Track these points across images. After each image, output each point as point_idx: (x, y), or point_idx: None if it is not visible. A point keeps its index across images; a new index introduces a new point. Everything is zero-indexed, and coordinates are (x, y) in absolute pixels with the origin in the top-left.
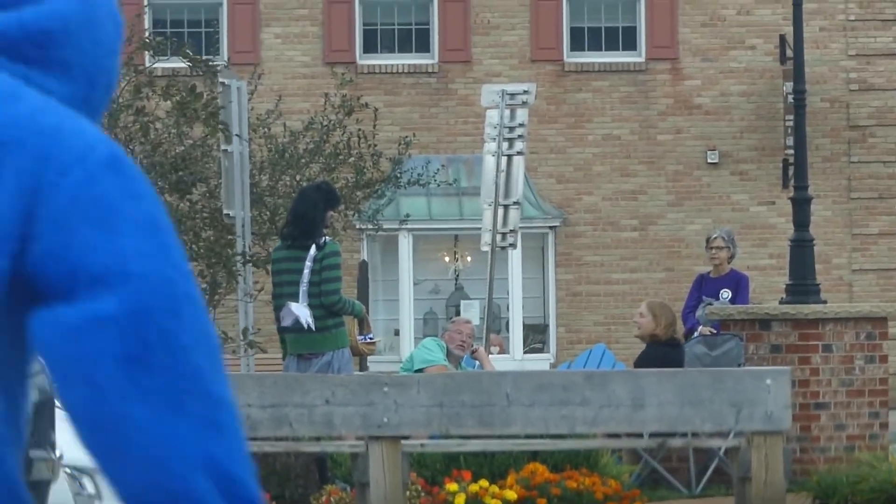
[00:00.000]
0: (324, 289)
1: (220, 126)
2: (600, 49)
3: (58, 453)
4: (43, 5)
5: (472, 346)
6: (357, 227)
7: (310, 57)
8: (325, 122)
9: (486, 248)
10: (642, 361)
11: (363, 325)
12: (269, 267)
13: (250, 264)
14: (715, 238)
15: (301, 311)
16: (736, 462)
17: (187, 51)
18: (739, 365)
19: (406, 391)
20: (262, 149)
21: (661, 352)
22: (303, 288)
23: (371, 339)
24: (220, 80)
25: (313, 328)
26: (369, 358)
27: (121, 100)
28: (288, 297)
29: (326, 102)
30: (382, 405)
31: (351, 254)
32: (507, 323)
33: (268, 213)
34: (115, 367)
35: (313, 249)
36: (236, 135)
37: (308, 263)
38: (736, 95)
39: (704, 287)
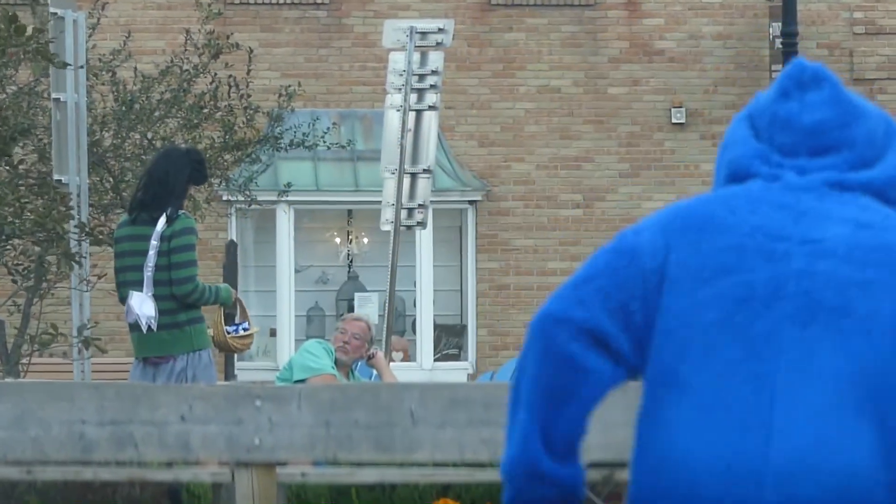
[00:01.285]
0: (174, 276)
1: (50, 59)
2: None
3: None
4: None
5: (368, 350)
6: (224, 198)
7: None
8: (185, 67)
9: (387, 228)
10: None
11: (236, 313)
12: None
13: (87, 242)
14: None
15: (142, 304)
16: None
17: None
18: None
19: (284, 406)
20: (105, 99)
21: None
22: (147, 274)
23: (246, 329)
24: (52, 9)
25: (153, 328)
26: (237, 366)
27: None
28: (132, 286)
29: (188, 41)
30: (253, 424)
31: (216, 232)
32: (414, 323)
33: (111, 179)
34: None
35: (161, 224)
36: (67, 63)
37: (154, 242)
38: (709, 38)
39: None
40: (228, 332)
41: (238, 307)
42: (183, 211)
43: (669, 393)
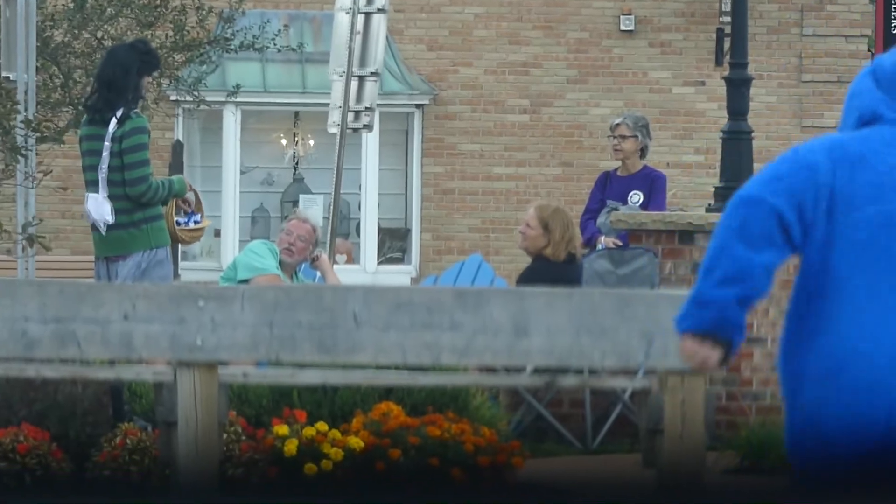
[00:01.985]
0: (126, 177)
1: None
2: None
3: None
4: None
5: (313, 252)
6: (172, 98)
7: None
8: None
9: (334, 130)
10: (526, 280)
11: (190, 204)
12: (59, 145)
13: (33, 139)
14: (618, 124)
15: (97, 205)
16: (644, 409)
17: None
18: (653, 286)
19: (227, 306)
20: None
21: (553, 269)
22: (101, 175)
23: (198, 222)
24: None
25: (102, 229)
26: (181, 265)
27: None
28: (91, 187)
29: None
30: (196, 323)
31: (163, 132)
32: (359, 225)
33: (61, 76)
34: None
35: (112, 125)
36: None
37: (106, 144)
38: None
39: (610, 187)
40: (179, 224)
41: (195, 198)
42: (136, 110)
43: (828, 292)
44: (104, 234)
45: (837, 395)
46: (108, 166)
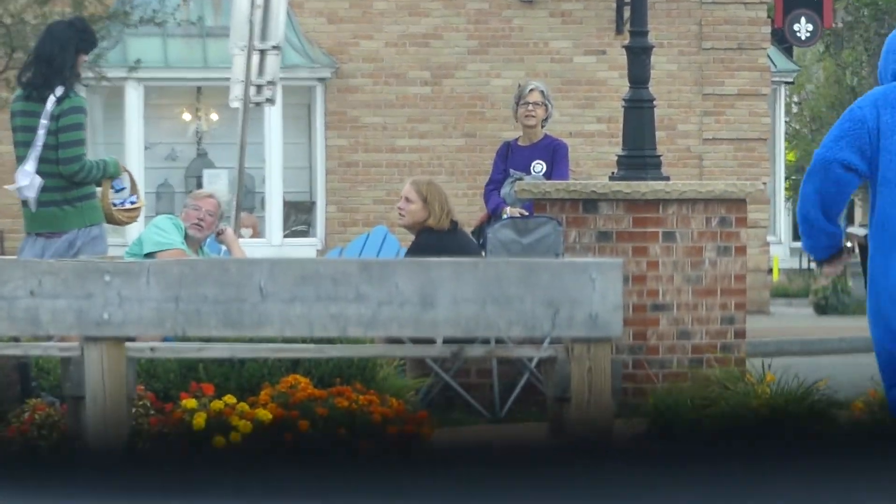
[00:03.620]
0: (61, 155)
1: None
2: None
3: None
4: None
5: (218, 226)
6: None
7: None
8: None
9: (236, 105)
10: (416, 254)
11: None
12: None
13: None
14: (531, 90)
15: (25, 179)
16: (551, 378)
17: None
18: (557, 255)
19: (133, 281)
20: None
21: (440, 240)
22: (34, 152)
23: (133, 203)
24: None
25: (32, 205)
26: None
27: None
28: (22, 163)
29: None
30: (103, 298)
31: None
32: (263, 199)
33: None
34: None
35: (50, 103)
36: None
37: (43, 122)
38: None
39: (512, 157)
40: (114, 205)
41: (129, 180)
42: (73, 90)
43: (889, 190)
44: (34, 210)
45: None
46: (44, 144)
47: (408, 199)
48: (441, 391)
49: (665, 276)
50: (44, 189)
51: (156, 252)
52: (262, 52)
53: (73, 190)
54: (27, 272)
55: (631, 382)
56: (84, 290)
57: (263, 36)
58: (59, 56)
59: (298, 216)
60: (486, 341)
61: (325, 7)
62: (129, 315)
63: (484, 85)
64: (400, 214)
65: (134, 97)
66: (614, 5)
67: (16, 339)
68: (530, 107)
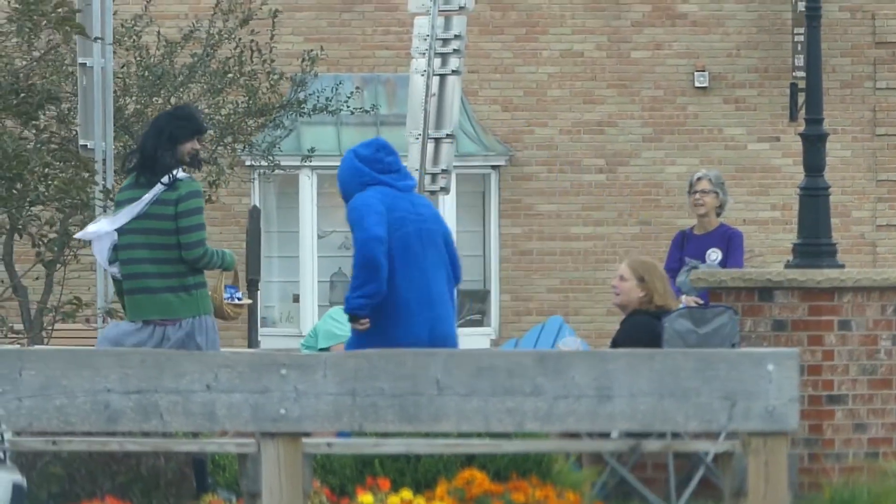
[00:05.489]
0: (183, 241)
1: (80, 30)
2: None
3: None
4: None
5: None
6: (248, 163)
7: None
8: (211, 31)
9: None
10: (628, 336)
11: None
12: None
13: (112, 209)
14: (699, 179)
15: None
16: (728, 471)
17: None
18: (733, 345)
19: (309, 375)
20: (129, 65)
21: (649, 322)
22: (127, 218)
23: (240, 298)
24: None
25: (116, 273)
26: (260, 332)
27: None
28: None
29: (217, 7)
30: (279, 393)
31: (239, 197)
32: None
33: (134, 145)
34: None
35: (158, 188)
36: (98, 38)
37: (156, 207)
38: (731, 2)
39: (687, 246)
40: (226, 299)
41: (235, 274)
42: (186, 174)
43: None
44: (149, 295)
45: None
46: (163, 230)
47: (622, 278)
48: (618, 485)
49: (840, 367)
50: (160, 275)
51: (331, 345)
52: (437, 141)
53: (190, 277)
54: (203, 366)
55: (807, 476)
56: (260, 384)
57: (438, 124)
58: (158, 145)
59: (472, 305)
60: (662, 435)
61: (499, 95)
62: (306, 410)
63: (658, 172)
64: (614, 293)
65: (307, 185)
66: (788, 92)
67: (193, 435)
68: (698, 195)
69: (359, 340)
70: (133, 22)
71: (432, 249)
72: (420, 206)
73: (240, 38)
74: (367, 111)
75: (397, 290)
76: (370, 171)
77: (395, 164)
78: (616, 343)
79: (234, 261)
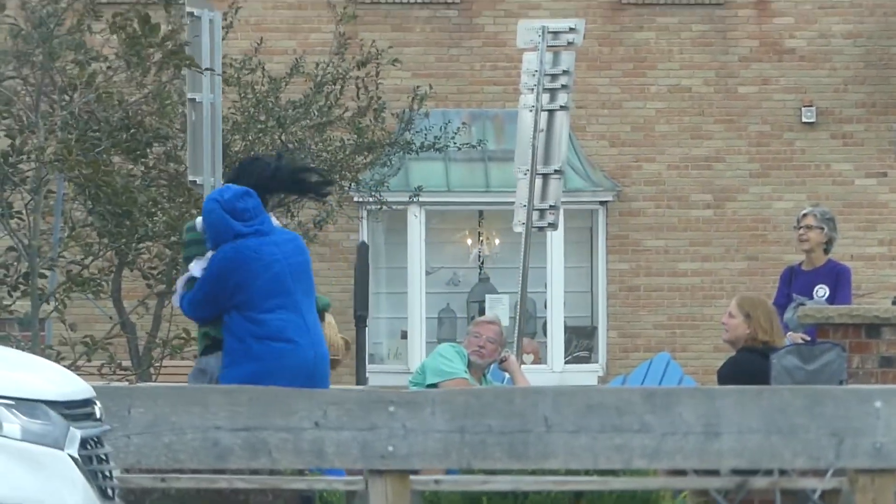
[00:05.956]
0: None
1: (189, 63)
2: None
3: None
4: None
5: (500, 353)
6: (356, 200)
7: None
8: (323, 72)
9: (519, 229)
10: (729, 372)
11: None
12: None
13: None
14: (805, 215)
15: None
16: None
17: None
18: (841, 382)
19: (417, 412)
20: (235, 104)
21: (755, 359)
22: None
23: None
24: (188, 9)
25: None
26: (368, 369)
27: (57, 32)
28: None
29: (331, 52)
30: (387, 430)
31: (347, 233)
32: (545, 324)
33: None
34: None
35: None
36: (207, 69)
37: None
38: (839, 37)
39: (795, 282)
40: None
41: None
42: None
43: None
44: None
45: None
46: None
47: (730, 314)
48: None
49: None
50: None
51: (439, 382)
52: (545, 176)
53: None
54: (312, 403)
55: None
56: (368, 422)
57: (546, 160)
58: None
59: (580, 341)
60: (769, 472)
61: (606, 130)
62: (414, 447)
63: (766, 208)
64: (724, 330)
65: (416, 222)
66: (895, 127)
67: (301, 472)
68: (803, 231)
69: (249, 375)
70: (242, 64)
71: (302, 281)
72: (283, 244)
73: (352, 78)
74: (474, 147)
75: (277, 324)
76: (234, 221)
77: (255, 209)
78: (718, 379)
79: (327, 304)
